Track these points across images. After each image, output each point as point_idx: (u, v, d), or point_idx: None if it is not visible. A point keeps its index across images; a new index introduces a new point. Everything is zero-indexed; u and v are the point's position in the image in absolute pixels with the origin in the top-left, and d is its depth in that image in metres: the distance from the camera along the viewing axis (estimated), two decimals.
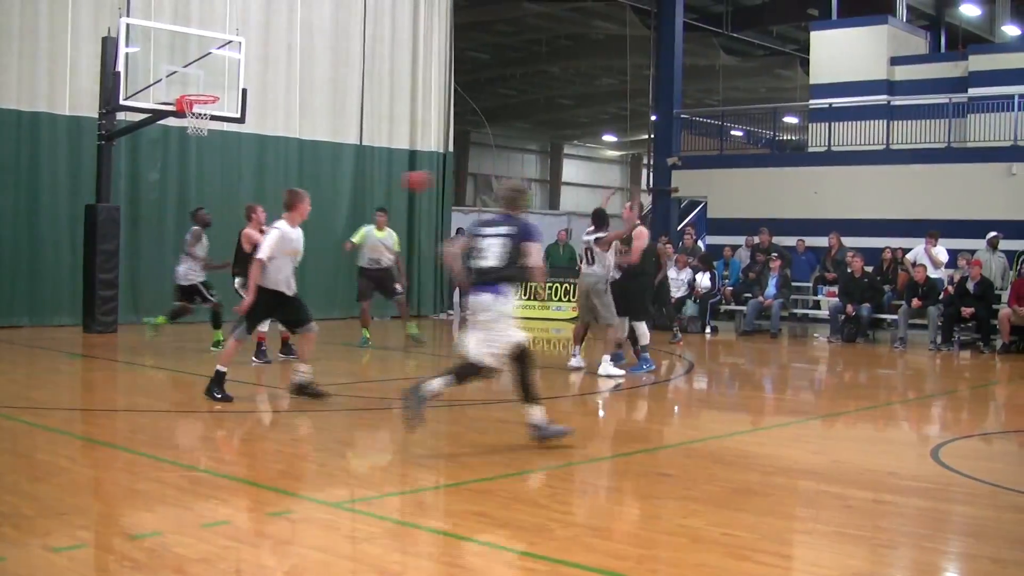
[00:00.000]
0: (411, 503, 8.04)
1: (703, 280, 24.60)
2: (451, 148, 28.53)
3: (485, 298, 9.49)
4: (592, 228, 15.38)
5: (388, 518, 7.40)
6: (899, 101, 29.48)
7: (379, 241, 18.52)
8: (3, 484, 7.86)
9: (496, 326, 9.43)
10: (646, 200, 32.53)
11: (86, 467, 8.91)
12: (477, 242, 9.70)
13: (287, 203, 12.35)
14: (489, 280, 9.52)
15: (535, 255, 9.42)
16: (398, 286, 18.80)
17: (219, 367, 12.02)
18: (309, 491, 7.99)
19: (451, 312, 28.41)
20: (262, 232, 13.75)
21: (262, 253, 11.94)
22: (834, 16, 34.92)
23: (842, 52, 31.88)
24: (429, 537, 7.06)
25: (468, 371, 9.53)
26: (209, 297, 17.34)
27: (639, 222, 16.23)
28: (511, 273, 9.52)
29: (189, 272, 17.29)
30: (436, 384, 9.25)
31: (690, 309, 24.46)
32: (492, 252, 9.56)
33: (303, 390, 12.19)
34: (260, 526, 6.97)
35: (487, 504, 7.59)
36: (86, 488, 8.11)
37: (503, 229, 9.63)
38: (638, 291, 15.97)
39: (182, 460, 8.98)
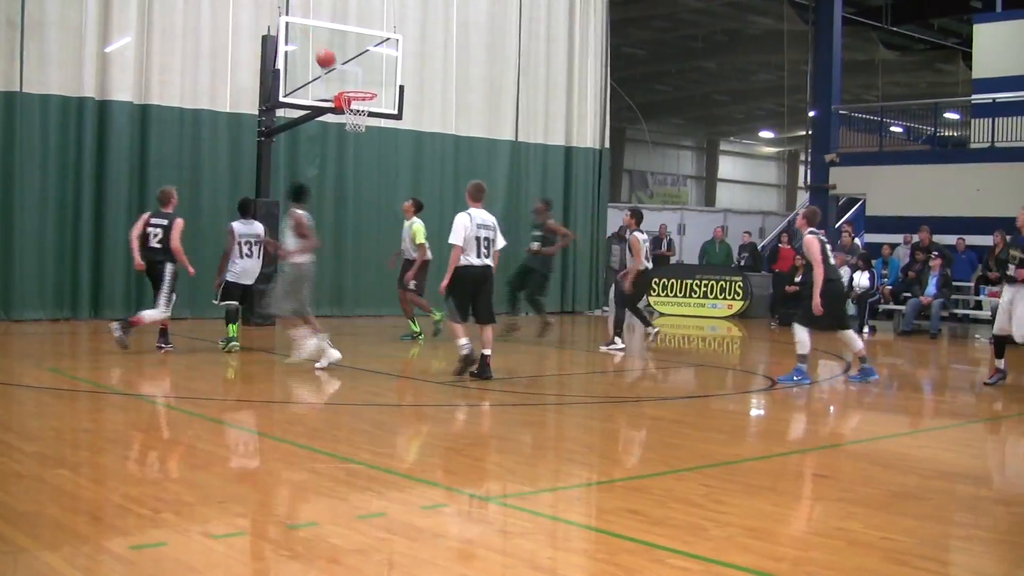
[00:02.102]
0: (564, 499, 7.99)
1: (862, 279, 24.15)
2: (607, 144, 28.45)
3: None
4: None
5: (541, 514, 7.35)
6: None
7: (403, 231, 18.29)
8: (165, 471, 8.00)
9: None
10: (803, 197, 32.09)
11: (244, 457, 9.03)
12: None
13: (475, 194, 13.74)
14: None
15: None
16: (409, 280, 18.08)
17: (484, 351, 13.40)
18: (463, 485, 7.99)
19: (606, 308, 28.31)
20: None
21: (455, 239, 13.10)
22: (998, 8, 33.94)
23: (1006, 45, 30.97)
24: (582, 534, 7.01)
25: None
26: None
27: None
28: None
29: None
30: None
31: (848, 308, 24.05)
32: None
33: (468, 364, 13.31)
34: (414, 519, 6.98)
35: (641, 502, 7.51)
36: (244, 477, 8.22)
37: None
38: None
39: (338, 452, 9.04)
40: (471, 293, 13.43)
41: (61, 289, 20.08)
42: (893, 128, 34.90)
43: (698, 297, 26.55)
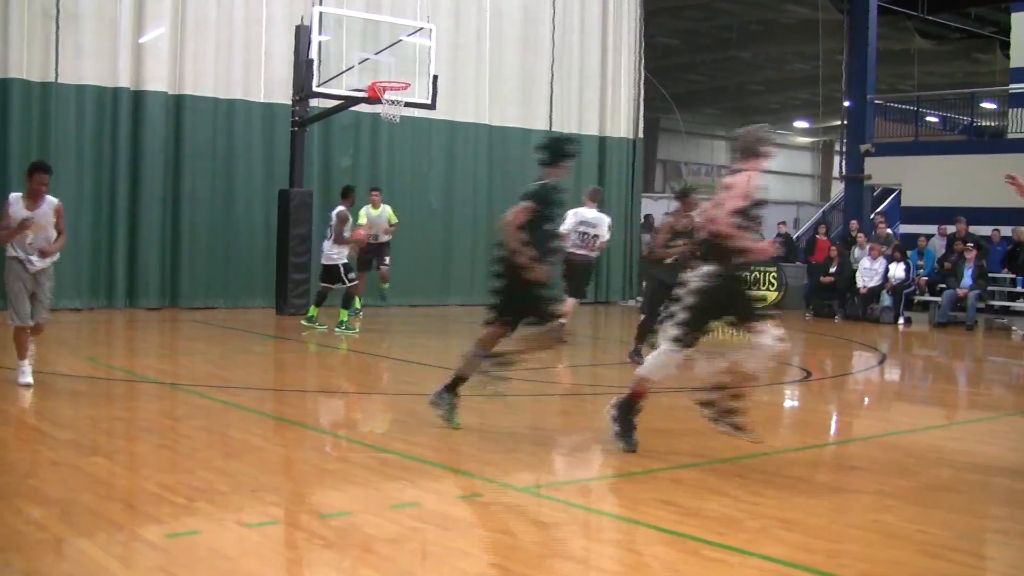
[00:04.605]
0: (599, 490, 7.98)
1: (897, 270, 24.02)
2: (641, 135, 28.38)
3: None
4: None
5: (576, 504, 7.34)
6: None
7: (376, 219, 19.48)
8: (199, 460, 8.02)
9: None
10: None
11: (278, 446, 9.04)
12: None
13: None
14: None
15: None
16: (387, 258, 19.84)
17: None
18: (497, 475, 7.97)
19: (639, 299, 28.26)
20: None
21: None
22: None
23: None
24: (616, 524, 6.99)
25: None
26: (347, 280, 17.42)
27: None
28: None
29: (332, 252, 17.49)
30: None
31: (884, 299, 23.95)
32: None
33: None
34: (448, 508, 6.98)
35: (676, 493, 7.48)
36: (278, 466, 8.23)
37: None
38: None
39: (372, 441, 9.05)
40: (570, 274, 15.88)
41: (97, 278, 20.16)
42: (929, 118, 34.65)
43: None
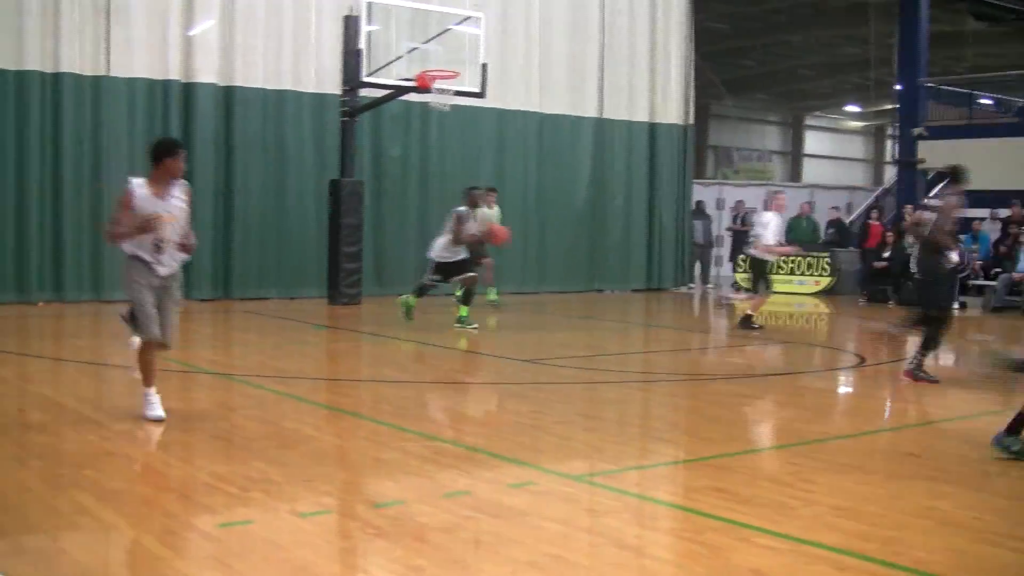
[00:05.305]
0: (651, 477, 7.94)
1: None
2: (691, 121, 28.23)
3: None
4: None
5: (628, 492, 7.31)
6: None
7: (489, 218, 19.08)
8: (252, 450, 8.05)
9: None
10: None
11: (331, 435, 9.06)
12: None
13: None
14: None
15: None
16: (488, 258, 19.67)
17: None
18: (549, 463, 7.95)
19: (692, 286, 28.21)
20: None
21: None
22: None
23: None
24: (668, 512, 6.96)
25: None
26: (465, 274, 16.84)
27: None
28: None
29: (444, 250, 16.86)
30: None
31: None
32: None
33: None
34: (500, 497, 6.96)
35: (728, 480, 7.44)
36: (331, 456, 8.25)
37: None
38: None
39: (425, 430, 9.06)
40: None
41: None
42: (982, 100, 34.29)
43: (785, 274, 26.30)
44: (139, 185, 8.88)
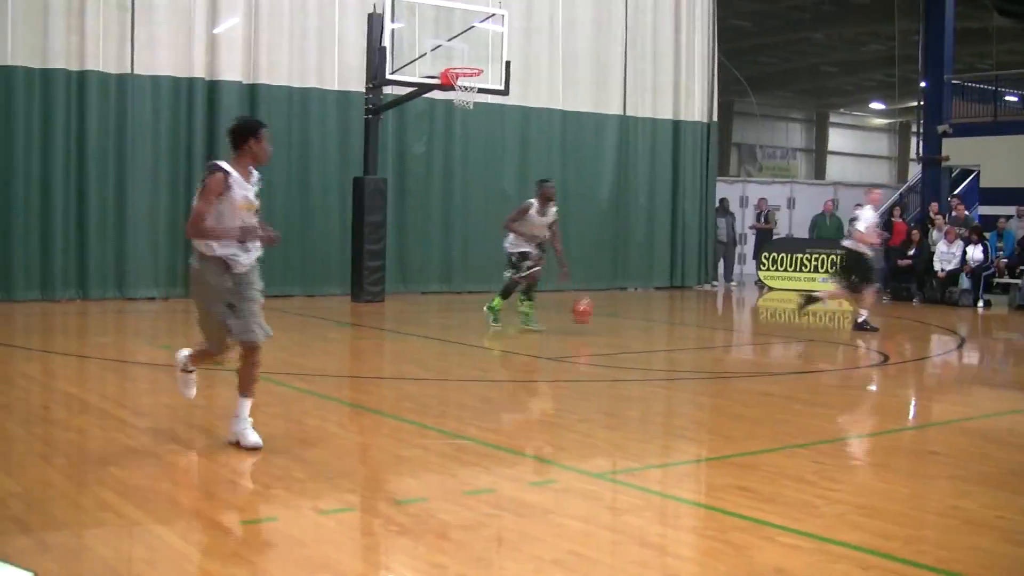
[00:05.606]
0: (673, 475, 7.93)
1: (975, 252, 23.71)
2: (715, 118, 28.20)
3: None
4: None
5: (650, 490, 7.30)
6: None
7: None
8: (275, 448, 8.06)
9: None
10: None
11: (354, 433, 9.08)
12: None
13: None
14: None
15: None
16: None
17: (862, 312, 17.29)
18: (572, 461, 7.94)
19: (715, 283, 28.19)
20: None
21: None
22: None
23: None
24: (691, 510, 6.95)
25: None
26: (526, 268, 16.14)
27: None
28: None
29: (513, 243, 16.22)
30: None
31: (962, 282, 23.66)
32: None
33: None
34: (523, 495, 6.96)
35: (751, 478, 7.42)
36: (353, 453, 8.26)
37: None
38: None
39: (447, 428, 9.06)
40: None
41: (174, 267, 20.32)
42: (1008, 98, 34.16)
43: (808, 271, 26.25)
44: (230, 169, 7.93)
